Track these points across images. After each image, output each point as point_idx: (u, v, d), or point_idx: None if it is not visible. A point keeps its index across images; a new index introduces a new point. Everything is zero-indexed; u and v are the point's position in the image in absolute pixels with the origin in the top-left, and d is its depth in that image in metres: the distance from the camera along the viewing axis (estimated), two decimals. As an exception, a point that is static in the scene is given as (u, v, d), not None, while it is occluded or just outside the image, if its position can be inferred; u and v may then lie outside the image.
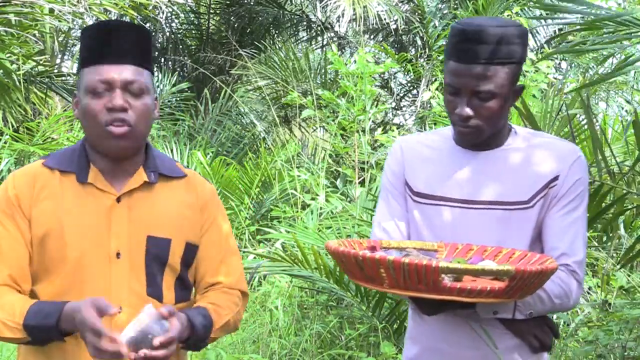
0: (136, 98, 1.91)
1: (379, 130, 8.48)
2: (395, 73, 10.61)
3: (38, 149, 7.22)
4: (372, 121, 8.39)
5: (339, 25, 11.02)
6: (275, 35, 11.58)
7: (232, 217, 6.48)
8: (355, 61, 6.62)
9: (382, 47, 9.82)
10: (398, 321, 4.26)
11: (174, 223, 1.98)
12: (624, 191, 3.12)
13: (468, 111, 1.97)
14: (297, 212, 6.05)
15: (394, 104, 10.79)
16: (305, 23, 11.54)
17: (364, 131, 6.56)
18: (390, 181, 2.17)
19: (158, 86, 9.85)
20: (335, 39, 11.21)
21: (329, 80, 9.86)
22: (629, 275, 5.10)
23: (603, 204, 3.17)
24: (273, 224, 6.31)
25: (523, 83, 6.22)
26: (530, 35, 10.05)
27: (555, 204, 2.04)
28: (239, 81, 11.20)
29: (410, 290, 1.77)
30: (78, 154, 1.98)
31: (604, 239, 5.10)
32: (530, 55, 6.97)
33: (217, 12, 11.62)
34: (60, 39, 10.05)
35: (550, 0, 3.13)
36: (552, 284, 1.99)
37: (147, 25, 10.81)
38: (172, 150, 7.77)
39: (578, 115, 4.25)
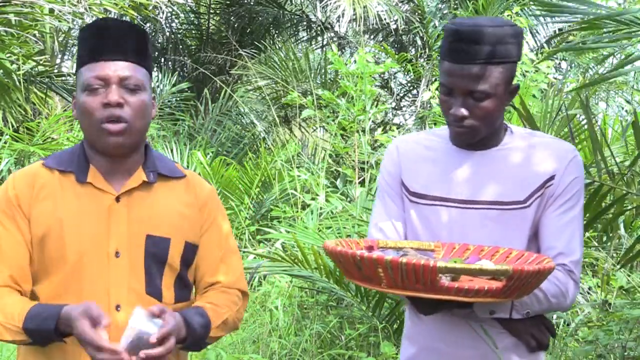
0: (132, 94, 1.92)
1: (379, 130, 8.49)
2: (395, 73, 10.61)
3: (38, 149, 7.22)
4: (372, 121, 8.39)
5: (339, 25, 11.02)
6: (275, 35, 11.58)
7: (232, 217, 6.48)
8: (355, 61, 6.62)
9: (382, 47, 9.81)
10: (398, 321, 4.26)
11: (173, 222, 1.98)
12: (624, 191, 3.12)
13: (463, 111, 1.97)
14: (297, 212, 6.05)
15: (394, 104, 10.79)
16: (305, 23, 11.54)
17: (364, 131, 6.56)
18: (387, 181, 2.17)
19: (158, 86, 9.86)
20: (335, 39, 11.21)
21: (329, 80, 9.86)
22: (629, 275, 5.10)
23: (603, 204, 3.17)
24: (273, 224, 6.31)
25: (523, 83, 6.24)
26: (530, 35, 10.07)
27: (551, 204, 2.04)
28: (239, 81, 11.20)
29: (408, 289, 1.77)
30: (77, 154, 1.99)
31: (604, 239, 5.11)
32: (531, 55, 6.96)
33: (217, 12, 11.62)
34: (60, 39, 10.05)
35: (550, -1, 3.13)
36: (549, 283, 1.99)
37: (147, 25, 10.82)
38: (172, 150, 7.77)
39: (578, 116, 4.25)
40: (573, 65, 10.78)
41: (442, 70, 2.00)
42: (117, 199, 1.95)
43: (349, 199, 6.56)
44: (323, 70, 10.00)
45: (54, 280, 1.92)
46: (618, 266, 4.74)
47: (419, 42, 10.31)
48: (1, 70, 7.09)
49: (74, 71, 1.94)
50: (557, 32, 10.28)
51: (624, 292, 5.12)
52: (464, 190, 2.06)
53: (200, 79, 10.80)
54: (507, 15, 7.95)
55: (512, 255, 1.98)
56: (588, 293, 5.11)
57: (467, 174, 2.07)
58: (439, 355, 2.10)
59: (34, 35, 7.74)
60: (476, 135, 2.02)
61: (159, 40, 11.44)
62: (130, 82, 1.92)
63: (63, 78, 8.82)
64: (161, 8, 8.34)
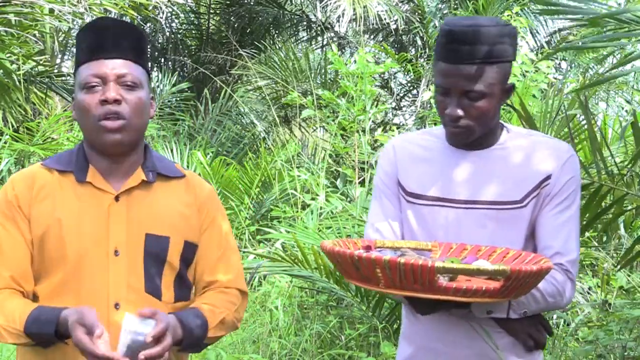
0: (130, 91, 1.93)
1: (379, 130, 8.48)
2: (395, 73, 10.61)
3: (38, 149, 7.22)
4: (372, 121, 8.39)
5: (339, 25, 11.02)
6: (275, 35, 11.58)
7: (232, 217, 6.48)
8: (355, 61, 6.63)
9: (382, 47, 9.82)
10: (398, 321, 4.26)
11: (172, 221, 1.99)
12: (624, 192, 3.12)
13: (458, 111, 1.97)
14: (297, 212, 6.05)
15: (394, 104, 10.79)
16: (305, 23, 11.54)
17: (364, 131, 6.56)
18: (383, 181, 2.17)
19: (158, 86, 9.86)
20: (335, 39, 11.21)
21: (329, 80, 9.86)
22: (629, 275, 5.10)
23: (603, 204, 3.16)
24: (273, 224, 6.31)
25: (523, 83, 6.24)
26: (530, 35, 10.07)
27: (548, 203, 2.04)
28: (239, 81, 11.20)
29: (406, 290, 1.77)
30: (77, 155, 2.00)
31: (604, 239, 5.11)
32: (531, 55, 6.96)
33: (217, 12, 11.62)
34: (60, 39, 10.06)
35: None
36: (546, 283, 1.99)
37: (147, 25, 10.82)
38: (172, 150, 7.77)
39: (578, 116, 4.25)
40: (573, 65, 10.78)
41: (437, 70, 2.00)
42: (117, 198, 1.95)
43: (349, 199, 6.55)
44: (323, 70, 10.00)
45: (53, 280, 1.93)
46: (618, 266, 4.74)
47: (419, 42, 10.31)
48: (1, 70, 7.09)
49: (73, 71, 1.94)
50: (557, 31, 10.29)
51: (624, 292, 5.12)
52: (461, 191, 2.06)
53: (200, 79, 10.80)
54: (507, 16, 7.95)
55: (509, 255, 1.98)
56: (588, 293, 5.11)
57: (464, 174, 2.07)
58: (437, 355, 2.10)
59: (34, 35, 7.74)
60: (472, 135, 2.02)
61: (159, 40, 11.45)
62: (127, 79, 1.92)
63: (63, 78, 8.82)
64: (161, 8, 8.35)
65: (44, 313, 1.85)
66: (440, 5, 9.85)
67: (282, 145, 9.07)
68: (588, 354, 4.18)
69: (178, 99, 9.82)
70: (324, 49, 11.02)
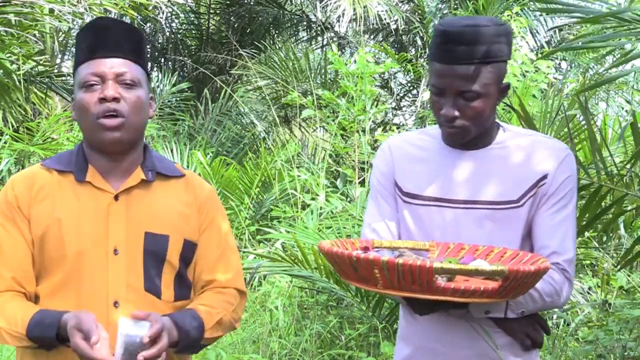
0: (128, 89, 1.93)
1: (379, 130, 8.49)
2: (395, 73, 10.61)
3: (38, 149, 7.22)
4: (372, 121, 8.39)
5: (339, 25, 11.02)
6: (275, 35, 11.58)
7: (232, 217, 6.48)
8: (355, 61, 6.63)
9: (382, 47, 9.82)
10: (398, 321, 4.26)
11: (172, 220, 1.99)
12: (623, 192, 3.12)
13: (454, 112, 1.97)
14: (297, 212, 6.05)
15: (394, 104, 10.79)
16: (305, 23, 11.54)
17: (364, 131, 6.56)
18: (380, 181, 2.16)
19: (158, 86, 9.86)
20: (335, 39, 11.21)
21: (329, 80, 9.86)
22: (629, 275, 5.10)
23: (602, 205, 3.16)
24: (273, 224, 6.31)
25: (523, 83, 6.24)
26: (530, 35, 10.07)
27: (544, 202, 2.04)
28: (239, 81, 11.20)
29: (404, 290, 1.77)
30: (76, 155, 2.00)
31: (604, 239, 5.10)
32: (531, 55, 6.97)
33: (217, 12, 11.62)
34: (61, 39, 10.06)
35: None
36: (543, 282, 1.99)
37: (147, 25, 10.82)
38: (172, 150, 7.77)
39: (578, 116, 4.25)
40: (573, 65, 10.78)
41: (431, 71, 2.00)
42: (116, 197, 1.96)
43: (349, 199, 6.56)
44: (323, 70, 9.99)
45: (53, 280, 1.93)
46: (618, 267, 4.74)
47: (419, 42, 10.30)
48: (1, 70, 7.09)
49: (73, 71, 1.94)
50: (557, 30, 10.29)
51: (624, 292, 5.12)
52: (460, 191, 2.06)
53: (200, 79, 10.80)
54: (507, 16, 7.95)
55: (507, 255, 1.98)
56: (588, 293, 5.11)
57: (462, 174, 2.07)
58: (435, 356, 2.10)
59: (34, 35, 7.73)
60: (467, 135, 2.02)
61: (159, 40, 11.45)
62: (126, 77, 1.93)
63: (63, 78, 8.82)
64: (161, 8, 8.35)
65: (46, 317, 1.86)
66: (440, 5, 9.85)
67: (282, 145, 9.07)
68: (588, 354, 4.18)
69: (178, 99, 9.82)
70: (324, 49, 11.02)
